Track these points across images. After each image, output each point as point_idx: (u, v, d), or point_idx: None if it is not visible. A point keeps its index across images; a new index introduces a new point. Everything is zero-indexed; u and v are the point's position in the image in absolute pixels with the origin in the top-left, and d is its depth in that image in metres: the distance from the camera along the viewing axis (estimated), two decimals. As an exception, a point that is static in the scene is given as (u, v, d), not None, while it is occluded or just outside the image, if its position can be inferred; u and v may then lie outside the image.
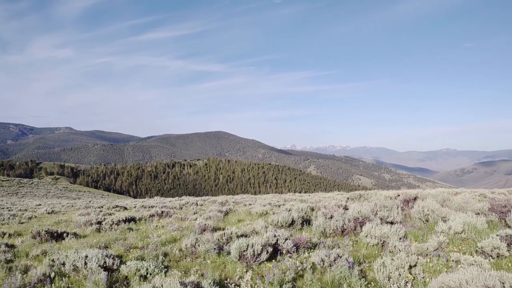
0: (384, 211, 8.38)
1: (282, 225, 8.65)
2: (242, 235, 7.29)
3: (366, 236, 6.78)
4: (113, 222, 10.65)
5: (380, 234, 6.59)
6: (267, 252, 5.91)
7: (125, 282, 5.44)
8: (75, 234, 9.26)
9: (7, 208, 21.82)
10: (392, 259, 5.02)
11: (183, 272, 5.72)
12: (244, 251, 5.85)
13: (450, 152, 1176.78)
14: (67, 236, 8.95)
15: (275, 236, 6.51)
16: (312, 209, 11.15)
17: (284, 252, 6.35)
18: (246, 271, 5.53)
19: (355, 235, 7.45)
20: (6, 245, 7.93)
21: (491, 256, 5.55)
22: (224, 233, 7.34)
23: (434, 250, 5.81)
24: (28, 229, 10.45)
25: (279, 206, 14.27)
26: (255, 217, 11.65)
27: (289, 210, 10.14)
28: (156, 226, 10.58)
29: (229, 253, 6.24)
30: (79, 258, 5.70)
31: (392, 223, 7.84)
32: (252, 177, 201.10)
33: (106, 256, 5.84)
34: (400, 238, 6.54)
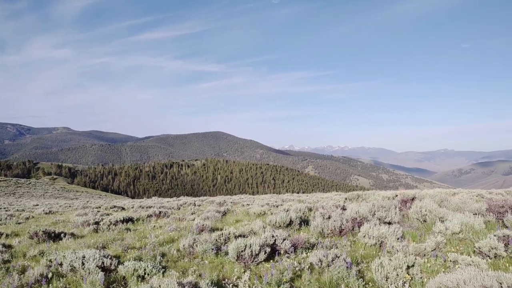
0: (382, 211, 8.40)
1: (280, 226, 8.65)
2: (240, 236, 7.29)
3: (364, 236, 6.79)
4: (111, 223, 10.62)
5: (378, 235, 6.60)
6: (265, 253, 5.91)
7: (122, 283, 5.42)
8: (72, 235, 9.22)
9: (5, 208, 21.73)
10: (390, 260, 5.02)
11: (181, 273, 5.71)
12: (242, 251, 5.84)
13: (447, 153, 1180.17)
14: (64, 237, 8.92)
15: (273, 236, 6.51)
16: (310, 210, 11.16)
17: (282, 252, 6.34)
18: (244, 272, 5.53)
19: (353, 236, 7.45)
20: (4, 245, 7.90)
21: (489, 256, 5.56)
22: (222, 234, 7.34)
23: (432, 251, 5.82)
24: (25, 229, 10.41)
25: (277, 206, 14.27)
26: (253, 217, 11.65)
27: (287, 211, 10.15)
28: (154, 226, 10.56)
29: (227, 253, 6.23)
30: (77, 258, 5.68)
31: (390, 223, 7.85)
32: (250, 177, 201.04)
33: (104, 256, 5.83)
34: (398, 239, 6.56)
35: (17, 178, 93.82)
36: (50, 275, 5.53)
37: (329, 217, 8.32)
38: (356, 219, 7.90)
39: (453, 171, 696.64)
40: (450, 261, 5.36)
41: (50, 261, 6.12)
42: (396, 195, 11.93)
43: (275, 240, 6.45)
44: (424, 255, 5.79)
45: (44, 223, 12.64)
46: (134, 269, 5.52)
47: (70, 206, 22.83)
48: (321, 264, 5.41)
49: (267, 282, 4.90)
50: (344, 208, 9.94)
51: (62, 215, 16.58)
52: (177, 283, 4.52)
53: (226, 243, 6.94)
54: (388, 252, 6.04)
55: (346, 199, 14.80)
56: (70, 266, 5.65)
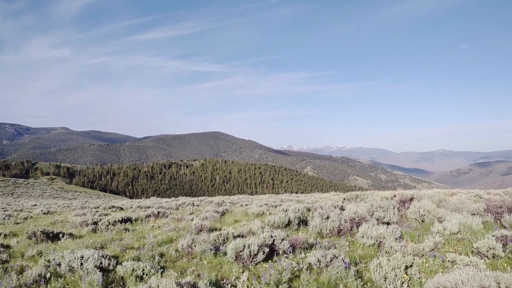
0: (380, 211, 8.41)
1: (278, 226, 8.66)
2: (238, 236, 7.29)
3: (363, 236, 6.79)
4: (109, 223, 10.61)
5: (377, 235, 6.61)
6: (264, 253, 5.91)
7: (121, 283, 5.42)
8: (71, 235, 9.20)
9: (3, 208, 21.67)
10: (388, 260, 5.03)
11: (179, 273, 5.70)
12: (240, 251, 5.85)
13: (446, 153, 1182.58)
14: (63, 237, 8.90)
15: (271, 236, 6.51)
16: (309, 210, 11.16)
17: (280, 252, 6.35)
18: (243, 272, 5.53)
19: (352, 236, 7.46)
20: (2, 245, 7.87)
21: (487, 256, 5.58)
22: (221, 234, 7.33)
23: (430, 251, 5.84)
24: (23, 229, 10.38)
25: (275, 206, 14.27)
26: (252, 217, 11.65)
27: (286, 211, 10.15)
28: (153, 226, 10.55)
29: (225, 253, 6.23)
30: (75, 258, 5.67)
31: (388, 223, 7.86)
32: (248, 177, 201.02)
33: (102, 256, 5.82)
34: (396, 239, 6.57)
35: (15, 178, 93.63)
36: (48, 275, 5.52)
37: (327, 218, 8.32)
38: (355, 219, 7.91)
39: (452, 172, 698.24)
40: (449, 261, 5.37)
41: (49, 261, 6.11)
42: (395, 196, 11.95)
43: (273, 240, 6.46)
44: (423, 255, 5.80)
45: (42, 223, 12.61)
46: (133, 269, 5.52)
47: (68, 206, 22.78)
48: (320, 264, 5.41)
49: (266, 282, 4.90)
50: (342, 209, 9.95)
51: (60, 215, 16.54)
52: (176, 283, 4.52)
53: (224, 243, 6.93)
54: (386, 252, 6.05)
55: (344, 199, 14.81)
56: (69, 266, 5.64)
